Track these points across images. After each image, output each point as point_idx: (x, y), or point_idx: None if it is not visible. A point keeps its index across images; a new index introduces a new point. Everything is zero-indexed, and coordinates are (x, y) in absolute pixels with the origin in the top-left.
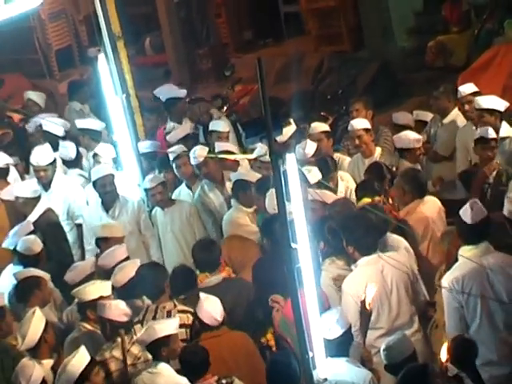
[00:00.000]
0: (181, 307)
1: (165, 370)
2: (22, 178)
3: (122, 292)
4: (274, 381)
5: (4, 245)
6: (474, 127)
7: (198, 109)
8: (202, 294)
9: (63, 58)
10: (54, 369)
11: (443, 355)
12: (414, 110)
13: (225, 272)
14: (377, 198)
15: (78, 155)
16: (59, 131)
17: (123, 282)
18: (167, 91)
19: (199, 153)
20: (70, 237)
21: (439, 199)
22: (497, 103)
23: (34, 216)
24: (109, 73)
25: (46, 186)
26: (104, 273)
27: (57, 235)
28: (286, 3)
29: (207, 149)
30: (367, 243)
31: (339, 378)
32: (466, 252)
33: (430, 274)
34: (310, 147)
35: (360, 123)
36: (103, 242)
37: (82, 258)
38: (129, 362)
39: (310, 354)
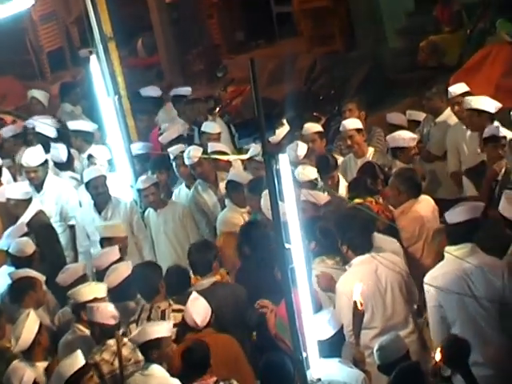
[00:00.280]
0: (176, 306)
1: (157, 371)
2: (15, 180)
3: (115, 293)
4: (268, 381)
5: None
6: (464, 127)
7: (193, 109)
8: (192, 295)
9: (55, 60)
10: (47, 371)
11: (437, 355)
12: (407, 110)
13: (217, 276)
14: (369, 199)
15: (70, 157)
16: (51, 133)
17: (116, 283)
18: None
19: (193, 153)
20: (63, 238)
21: (433, 198)
22: (486, 104)
23: (25, 218)
24: (101, 74)
25: (38, 187)
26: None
27: (49, 237)
28: (279, 4)
29: (201, 149)
30: (362, 243)
31: (331, 379)
32: (450, 251)
33: (421, 274)
34: (302, 149)
35: (352, 123)
36: (107, 242)
37: (75, 259)
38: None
39: (304, 355)
